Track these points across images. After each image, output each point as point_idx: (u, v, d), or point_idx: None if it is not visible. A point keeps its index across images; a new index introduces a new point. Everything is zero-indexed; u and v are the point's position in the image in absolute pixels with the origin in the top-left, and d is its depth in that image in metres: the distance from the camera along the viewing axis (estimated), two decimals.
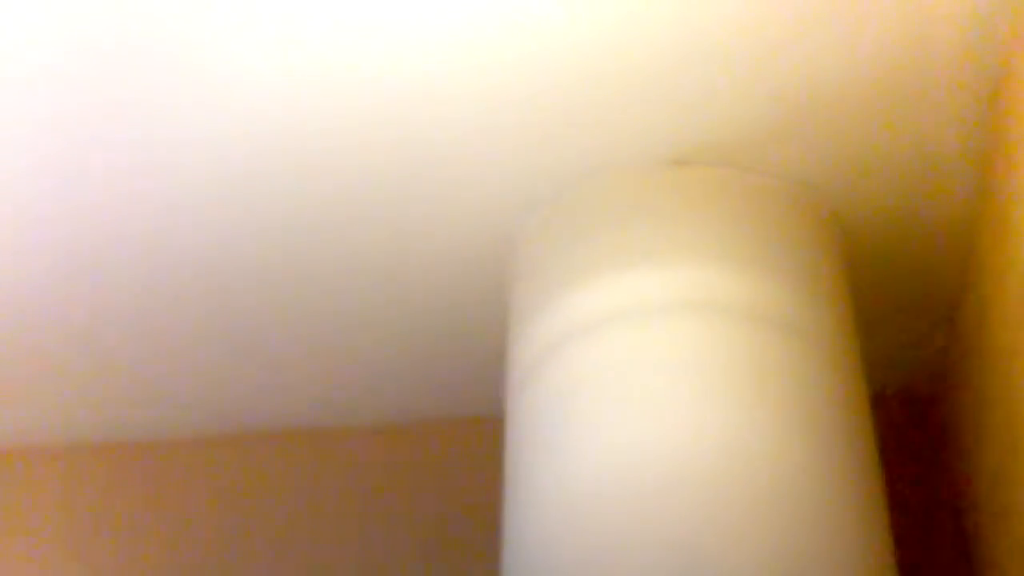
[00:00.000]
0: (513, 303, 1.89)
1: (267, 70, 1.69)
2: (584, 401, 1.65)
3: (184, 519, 2.34)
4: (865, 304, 1.98)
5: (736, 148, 1.77)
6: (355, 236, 1.96)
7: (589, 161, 1.80)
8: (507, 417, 1.82)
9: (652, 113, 1.74)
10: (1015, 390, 1.65)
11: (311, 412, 2.35)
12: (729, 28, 1.65)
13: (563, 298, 1.76)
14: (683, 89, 1.70)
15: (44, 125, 1.78)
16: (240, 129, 1.78)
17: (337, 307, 2.11)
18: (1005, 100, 1.66)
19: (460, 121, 1.76)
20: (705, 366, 1.63)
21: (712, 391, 1.61)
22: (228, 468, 2.37)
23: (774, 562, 1.49)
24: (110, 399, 2.34)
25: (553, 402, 1.69)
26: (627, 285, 1.72)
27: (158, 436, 2.41)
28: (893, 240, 1.93)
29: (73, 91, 1.73)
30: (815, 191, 1.83)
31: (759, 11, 1.63)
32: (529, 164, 1.82)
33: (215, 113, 1.76)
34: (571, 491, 1.59)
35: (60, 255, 2.00)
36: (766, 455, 1.56)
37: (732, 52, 1.66)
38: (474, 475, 2.16)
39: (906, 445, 2.21)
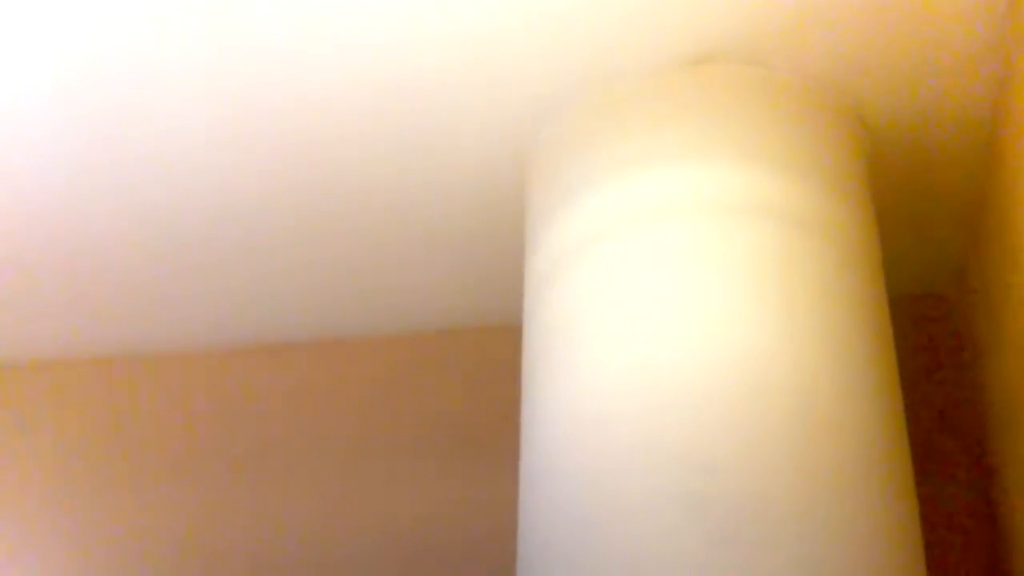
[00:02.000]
0: (530, 210, 1.88)
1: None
2: (600, 307, 1.64)
3: (212, 427, 2.37)
4: (886, 205, 1.96)
5: (758, 46, 1.74)
6: (375, 150, 1.95)
7: (608, 63, 1.77)
8: (524, 324, 1.82)
9: (673, 12, 1.70)
10: None
11: (335, 323, 2.36)
12: None
13: (579, 203, 1.74)
14: None
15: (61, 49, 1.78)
16: (261, 54, 1.76)
17: (357, 221, 2.10)
18: None
19: (476, 25, 1.73)
20: (724, 269, 1.61)
21: (731, 295, 1.59)
22: (258, 377, 2.40)
23: (788, 470, 1.49)
24: (123, 315, 2.36)
25: (567, 310, 1.68)
26: (647, 187, 1.69)
27: (186, 348, 2.43)
28: (915, 139, 1.91)
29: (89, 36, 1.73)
30: (838, 89, 1.80)
31: None
32: (547, 68, 1.79)
33: (240, 47, 1.75)
34: (584, 399, 1.60)
35: (69, 172, 2.00)
36: (786, 361, 1.55)
37: None
38: (495, 382, 2.17)
39: (924, 346, 2.21)
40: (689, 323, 1.58)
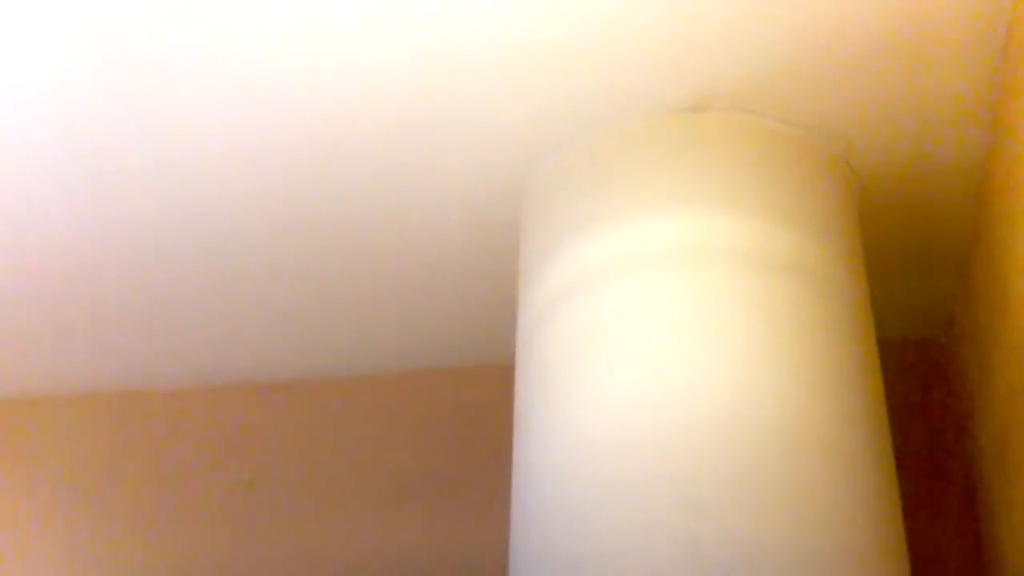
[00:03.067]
0: (524, 251, 1.89)
1: (281, 28, 1.69)
2: (593, 349, 1.65)
3: (202, 466, 2.37)
4: (875, 251, 1.97)
5: (749, 94, 1.77)
6: (365, 187, 1.96)
7: (602, 108, 1.79)
8: (517, 364, 1.83)
9: (665, 59, 1.73)
10: None
11: (325, 362, 2.36)
12: None
13: (574, 246, 1.76)
14: (697, 36, 1.69)
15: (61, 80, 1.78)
16: (247, 78, 1.77)
17: (349, 259, 2.11)
18: (1016, 45, 1.65)
19: (474, 68, 1.75)
20: (715, 313, 1.63)
21: (722, 338, 1.61)
22: (244, 417, 2.40)
23: (779, 510, 1.50)
24: (117, 351, 2.35)
25: (562, 350, 1.69)
26: (638, 232, 1.71)
27: (176, 386, 2.43)
28: (904, 187, 1.93)
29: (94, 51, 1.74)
30: (828, 137, 1.82)
31: None
32: (542, 111, 1.81)
33: (227, 68, 1.76)
34: (578, 439, 1.60)
35: (59, 207, 2.00)
36: (774, 402, 1.56)
37: None
38: (486, 422, 2.18)
39: (914, 391, 2.22)
40: (680, 366, 1.59)
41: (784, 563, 1.47)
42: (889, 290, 2.10)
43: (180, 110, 1.83)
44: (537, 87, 1.77)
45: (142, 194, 1.98)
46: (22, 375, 2.46)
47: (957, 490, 2.14)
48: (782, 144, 1.79)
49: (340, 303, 2.21)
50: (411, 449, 2.33)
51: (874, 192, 1.92)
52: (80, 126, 1.86)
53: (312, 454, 2.36)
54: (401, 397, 2.37)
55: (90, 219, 2.04)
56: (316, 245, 2.09)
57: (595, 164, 1.80)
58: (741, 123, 1.79)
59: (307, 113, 1.84)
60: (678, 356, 1.60)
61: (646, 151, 1.78)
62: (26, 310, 2.24)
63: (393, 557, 2.24)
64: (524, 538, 1.63)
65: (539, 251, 1.83)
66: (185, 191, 1.98)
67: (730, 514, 1.48)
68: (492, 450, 2.02)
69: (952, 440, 2.18)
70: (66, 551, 2.34)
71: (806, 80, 1.75)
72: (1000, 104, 1.75)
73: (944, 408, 2.21)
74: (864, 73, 1.74)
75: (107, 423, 2.45)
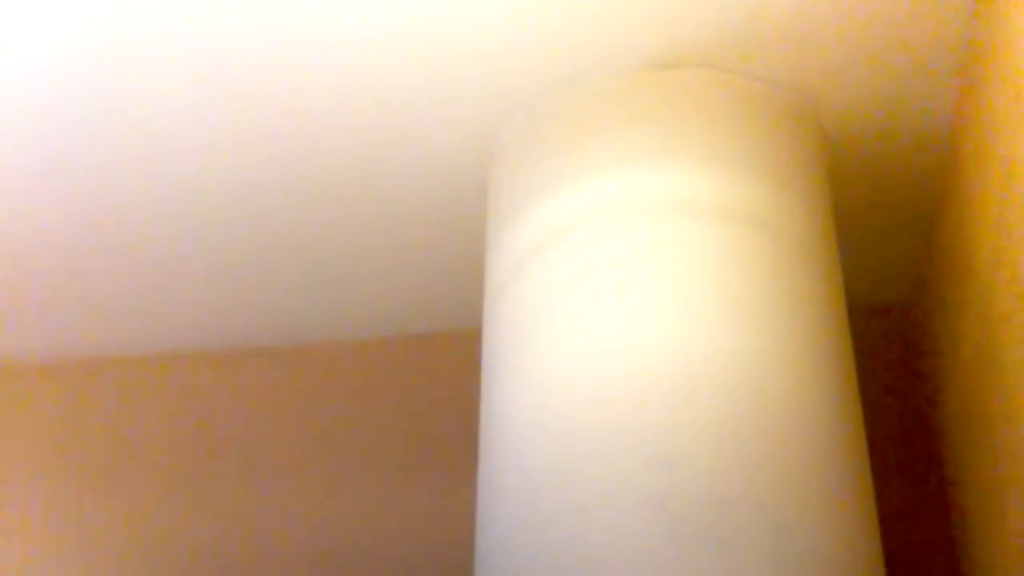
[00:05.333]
0: (491, 213, 1.88)
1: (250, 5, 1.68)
2: (557, 307, 1.65)
3: (164, 435, 2.35)
4: (843, 214, 1.98)
5: (720, 51, 1.76)
6: (331, 156, 1.94)
7: (571, 66, 1.78)
8: (484, 326, 1.82)
9: (636, 16, 1.72)
10: (995, 299, 1.66)
11: (292, 330, 2.35)
12: None
13: (539, 205, 1.75)
14: None
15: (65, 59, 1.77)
16: (226, 58, 1.76)
17: (317, 227, 2.09)
18: (984, 6, 1.65)
19: (440, 27, 1.73)
20: (684, 267, 1.62)
21: (690, 295, 1.60)
22: (212, 383, 2.38)
23: (747, 466, 1.49)
24: (77, 318, 2.33)
25: (527, 309, 1.69)
26: (605, 189, 1.70)
27: (138, 353, 2.41)
28: (874, 148, 1.93)
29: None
30: (798, 95, 1.82)
31: None
32: (510, 70, 1.79)
33: (214, 50, 1.74)
34: (543, 398, 1.59)
35: (60, 178, 1.98)
36: (743, 357, 1.56)
37: None
38: (454, 386, 2.17)
39: (881, 357, 2.22)
40: (648, 321, 1.58)
41: (751, 519, 1.46)
42: (856, 255, 2.10)
43: (159, 88, 1.82)
44: (505, 45, 1.76)
45: (113, 163, 1.96)
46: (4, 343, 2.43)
47: (925, 456, 2.15)
48: (752, 101, 1.78)
49: (306, 269, 2.19)
50: (380, 416, 2.31)
51: (843, 153, 1.92)
52: (68, 109, 1.86)
53: (279, 421, 2.34)
54: (370, 363, 2.36)
55: (72, 193, 2.02)
56: (282, 212, 2.07)
57: (563, 122, 1.79)
58: (711, 79, 1.78)
59: (275, 87, 1.82)
60: (645, 311, 1.59)
61: (615, 108, 1.77)
62: (11, 279, 2.22)
63: (362, 524, 2.23)
64: (491, 499, 1.63)
65: (505, 212, 1.82)
66: (160, 162, 1.96)
67: (697, 470, 1.48)
68: (462, 415, 2.01)
69: (920, 406, 2.19)
70: (26, 521, 2.32)
71: (777, 38, 1.75)
72: (968, 66, 1.75)
73: (911, 374, 2.22)
74: (835, 32, 1.74)
75: (67, 391, 2.43)
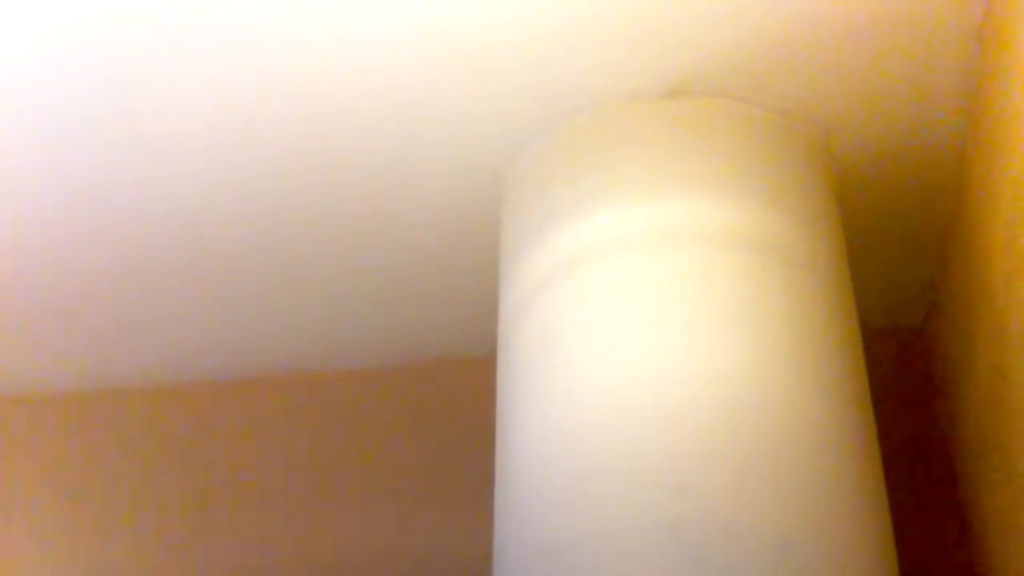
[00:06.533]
0: (504, 241, 1.89)
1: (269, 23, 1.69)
2: (573, 335, 1.65)
3: (187, 462, 2.35)
4: (855, 238, 1.98)
5: (726, 79, 1.77)
6: (343, 180, 1.95)
7: (579, 96, 1.79)
8: (499, 354, 1.82)
9: (642, 45, 1.73)
10: (1009, 321, 1.66)
11: (306, 357, 2.35)
12: None
13: (553, 234, 1.75)
14: (674, 21, 1.69)
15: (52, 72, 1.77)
16: (233, 77, 1.77)
17: (328, 253, 2.09)
18: (992, 29, 1.66)
19: (450, 57, 1.74)
20: (696, 296, 1.63)
21: (703, 321, 1.61)
22: (223, 412, 2.38)
23: (762, 492, 1.49)
24: (89, 350, 2.34)
25: (542, 337, 1.69)
26: (617, 218, 1.71)
27: (153, 382, 2.41)
28: (883, 173, 1.93)
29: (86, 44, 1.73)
30: (805, 122, 1.82)
31: None
32: (519, 100, 1.80)
33: (218, 62, 1.75)
34: (559, 425, 1.59)
35: (59, 204, 1.98)
36: (756, 385, 1.56)
37: None
38: (468, 415, 2.17)
39: (895, 378, 2.22)
40: (660, 350, 1.58)
41: (767, 545, 1.46)
42: (868, 278, 2.09)
43: (162, 96, 1.81)
44: (514, 76, 1.77)
45: (118, 186, 1.97)
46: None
47: (939, 479, 2.14)
48: (760, 128, 1.79)
49: (318, 298, 2.20)
50: (393, 444, 2.31)
51: (852, 178, 1.92)
52: (68, 117, 1.85)
53: (291, 449, 2.34)
54: (382, 391, 2.36)
55: (74, 217, 2.02)
56: (294, 241, 2.08)
57: (573, 152, 1.80)
58: (719, 108, 1.79)
59: (285, 110, 1.83)
60: (659, 340, 1.59)
61: (625, 137, 1.78)
62: (6, 308, 2.22)
63: (376, 553, 2.23)
64: (507, 526, 1.63)
65: (518, 240, 1.83)
66: (162, 183, 1.97)
67: (712, 496, 1.48)
68: (475, 443, 2.01)
69: (934, 429, 2.18)
70: (43, 550, 2.32)
71: (783, 64, 1.75)
72: (977, 87, 1.76)
73: (925, 395, 2.21)
74: (841, 57, 1.75)
75: (80, 422, 2.43)
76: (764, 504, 1.49)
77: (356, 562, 2.23)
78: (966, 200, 1.88)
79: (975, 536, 1.99)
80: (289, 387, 2.39)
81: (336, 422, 2.35)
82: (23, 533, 2.34)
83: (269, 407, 2.38)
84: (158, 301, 2.20)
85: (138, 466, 2.36)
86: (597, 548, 1.48)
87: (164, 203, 2.00)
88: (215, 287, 2.17)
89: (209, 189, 1.97)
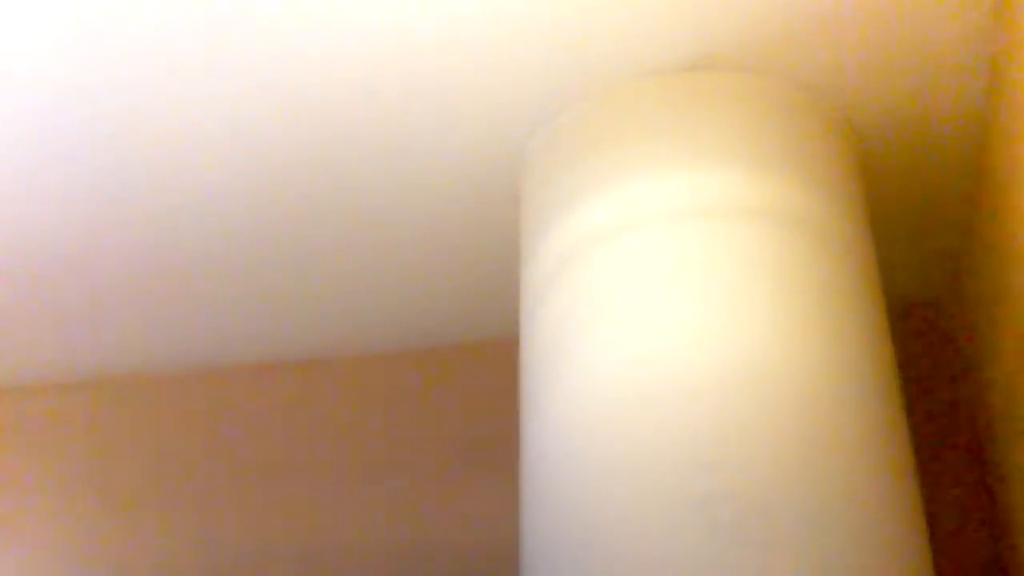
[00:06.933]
0: (524, 220, 1.88)
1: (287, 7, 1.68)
2: (597, 312, 1.64)
3: (209, 447, 2.35)
4: (879, 213, 1.96)
5: (748, 54, 1.75)
6: (363, 163, 1.94)
7: (599, 72, 1.77)
8: (521, 334, 1.81)
9: (664, 20, 1.71)
10: None
11: (329, 342, 2.34)
12: None
13: (574, 212, 1.74)
14: None
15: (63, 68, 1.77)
16: (249, 61, 1.76)
17: (346, 239, 2.09)
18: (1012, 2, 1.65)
19: (466, 36, 1.73)
20: (721, 270, 1.61)
21: (729, 296, 1.59)
22: (252, 397, 2.38)
23: (791, 467, 1.48)
24: (111, 336, 2.34)
25: (566, 315, 1.68)
26: (639, 193, 1.70)
27: (176, 368, 2.41)
28: (906, 145, 1.92)
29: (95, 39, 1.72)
30: (828, 95, 1.81)
31: None
32: (539, 77, 1.79)
33: (231, 51, 1.75)
34: (585, 404, 1.59)
35: (77, 192, 1.98)
36: (783, 359, 1.55)
37: None
38: (492, 396, 2.16)
39: (921, 352, 2.21)
40: (688, 324, 1.57)
41: (799, 520, 1.45)
42: (892, 253, 2.08)
43: (176, 89, 1.81)
44: (534, 52, 1.76)
45: (136, 176, 1.97)
46: (16, 363, 2.44)
47: (967, 451, 2.13)
48: (783, 102, 1.78)
49: (340, 284, 2.19)
50: (416, 428, 2.31)
51: (875, 151, 1.91)
52: (75, 109, 1.84)
53: (316, 437, 2.34)
54: (407, 376, 2.36)
55: (87, 205, 2.02)
56: (313, 227, 2.07)
57: (594, 128, 1.79)
58: (741, 82, 1.78)
59: (303, 96, 1.82)
60: (685, 315, 1.58)
61: (646, 113, 1.76)
62: (23, 297, 2.23)
63: (400, 538, 2.23)
64: (535, 507, 1.62)
65: (539, 219, 1.82)
66: (180, 173, 1.96)
67: (742, 472, 1.47)
68: (500, 426, 2.00)
69: (960, 400, 2.17)
70: (61, 542, 2.33)
71: (805, 39, 1.74)
72: (998, 57, 1.74)
73: (951, 369, 2.20)
74: (863, 31, 1.73)
75: (98, 409, 2.44)
76: (794, 478, 1.48)
77: (381, 547, 2.23)
78: (990, 170, 1.86)
79: (1003, 507, 1.98)
80: (314, 372, 2.39)
81: (358, 407, 2.35)
82: (34, 524, 2.35)
83: (294, 392, 2.38)
84: (179, 290, 2.20)
85: (155, 456, 2.37)
86: (626, 526, 1.47)
87: (184, 193, 2.00)
88: (240, 275, 2.17)
89: (230, 181, 1.97)
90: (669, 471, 1.49)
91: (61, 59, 1.76)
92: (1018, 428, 1.83)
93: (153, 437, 2.40)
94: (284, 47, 1.75)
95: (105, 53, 1.76)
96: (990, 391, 2.00)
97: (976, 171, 1.94)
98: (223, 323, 2.30)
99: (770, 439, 1.50)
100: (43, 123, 1.87)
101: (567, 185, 1.77)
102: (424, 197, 2.01)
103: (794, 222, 1.66)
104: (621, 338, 1.60)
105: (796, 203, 1.68)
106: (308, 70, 1.79)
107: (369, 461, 2.31)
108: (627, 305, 1.62)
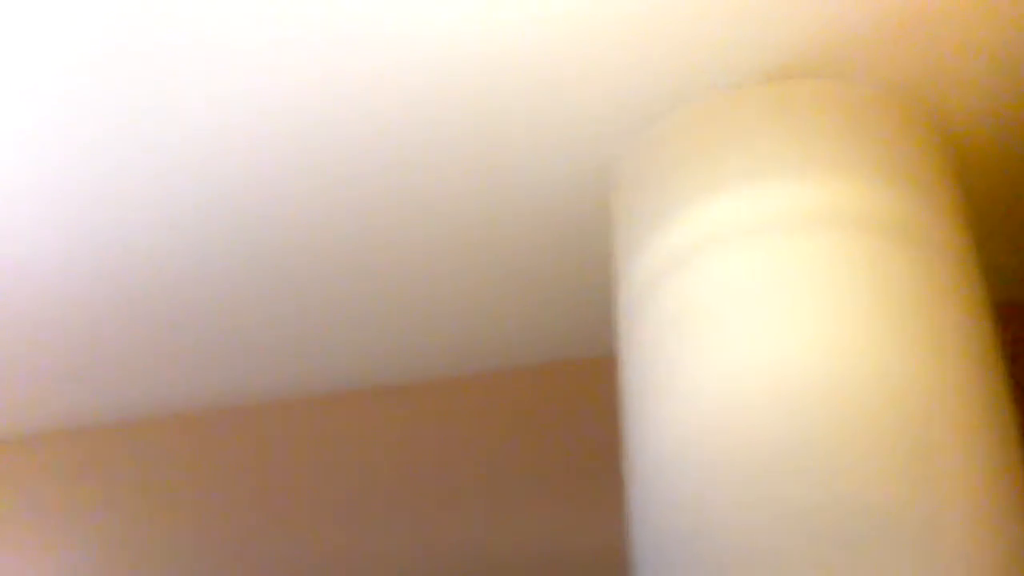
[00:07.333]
0: (617, 235, 1.87)
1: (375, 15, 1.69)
2: (700, 323, 1.63)
3: (312, 473, 2.37)
4: (974, 215, 1.94)
5: (835, 58, 1.73)
6: (446, 182, 1.94)
7: (686, 82, 1.77)
8: (620, 347, 1.81)
9: (747, 28, 1.70)
10: None
11: (422, 365, 2.36)
12: None
13: (668, 224, 1.73)
14: (779, 3, 1.67)
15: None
16: (313, 63, 1.76)
17: (443, 258, 2.09)
18: None
19: (554, 47, 1.73)
20: (824, 279, 1.60)
21: (835, 305, 1.58)
22: (361, 420, 2.40)
23: (904, 478, 1.46)
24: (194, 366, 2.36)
25: (667, 328, 1.67)
26: (735, 203, 1.69)
27: (264, 398, 2.43)
28: (1001, 145, 1.89)
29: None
30: (919, 99, 1.79)
31: None
32: (625, 89, 1.78)
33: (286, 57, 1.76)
34: (691, 413, 1.58)
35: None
36: (892, 368, 1.53)
37: None
38: (594, 414, 2.16)
39: (1019, 357, 2.17)
40: (793, 333, 1.56)
41: (913, 531, 1.43)
42: (989, 254, 2.05)
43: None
44: (618, 68, 1.76)
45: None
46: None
47: None
48: (875, 107, 1.76)
49: (430, 304, 2.20)
50: (516, 450, 2.31)
51: (970, 153, 1.88)
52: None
53: (417, 457, 2.35)
54: (501, 395, 2.36)
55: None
56: (404, 244, 2.08)
57: (683, 141, 1.78)
58: (830, 89, 1.76)
59: (385, 100, 1.81)
60: (787, 324, 1.57)
61: (737, 123, 1.75)
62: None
63: (504, 553, 2.23)
64: (642, 519, 1.61)
65: (632, 234, 1.81)
66: (248, 182, 1.97)
67: (851, 481, 1.46)
68: (598, 441, 2.00)
69: None
70: None
71: (891, 42, 1.72)
72: None
73: None
74: (951, 33, 1.71)
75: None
76: (904, 486, 1.46)
77: (485, 562, 2.23)
78: None
79: None
80: (417, 394, 2.40)
81: (459, 427, 2.35)
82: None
83: (401, 414, 2.39)
84: (253, 314, 2.21)
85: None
86: (735, 536, 1.47)
87: (240, 222, 1.99)
88: (331, 301, 2.18)
89: (308, 199, 1.97)
90: (777, 482, 1.48)
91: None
92: None
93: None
94: (364, 59, 1.75)
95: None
96: None
97: None
98: (333, 347, 2.31)
99: (878, 448, 1.49)
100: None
101: (659, 199, 1.76)
102: (512, 214, 2.01)
103: (894, 228, 1.64)
104: (720, 350, 1.59)
105: (895, 209, 1.66)
106: (388, 80, 1.78)
107: (475, 479, 2.31)
108: (725, 316, 1.61)
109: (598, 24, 1.70)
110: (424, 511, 2.30)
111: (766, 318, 1.59)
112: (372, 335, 2.28)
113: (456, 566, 2.24)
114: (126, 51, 1.70)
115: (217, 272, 2.11)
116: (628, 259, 1.81)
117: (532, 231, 2.06)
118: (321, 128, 1.84)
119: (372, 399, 2.41)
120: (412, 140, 1.87)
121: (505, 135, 1.87)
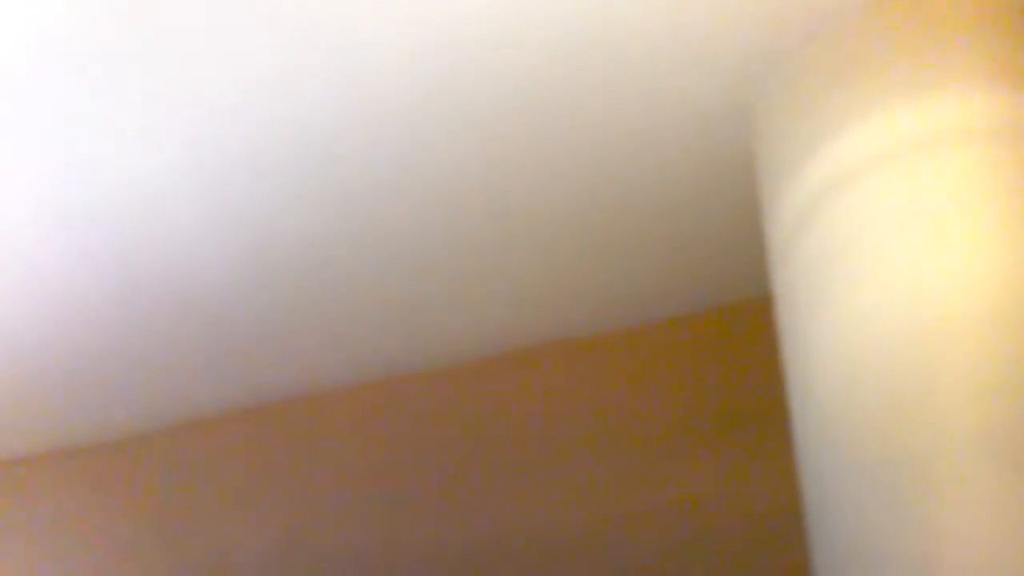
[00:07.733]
0: (762, 172, 1.82)
1: None
2: (861, 247, 1.60)
3: (432, 443, 2.34)
4: None
5: None
6: (574, 128, 1.85)
7: (825, 5, 1.70)
8: (775, 284, 1.75)
9: None
10: None
11: (569, 322, 2.28)
12: None
13: (820, 153, 1.70)
14: None
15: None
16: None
17: (589, 209, 2.01)
18: None
19: None
20: (994, 194, 1.57)
21: (1005, 220, 1.57)
22: (515, 383, 2.39)
23: None
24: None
25: (826, 256, 1.64)
26: (888, 124, 1.65)
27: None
28: None
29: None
30: None
31: None
32: (764, 20, 1.71)
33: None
34: (858, 339, 1.55)
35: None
36: None
37: None
38: (752, 356, 2.09)
39: None
40: (962, 252, 1.53)
41: None
42: None
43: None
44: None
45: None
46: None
47: None
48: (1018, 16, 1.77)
49: (581, 258, 2.14)
50: (678, 401, 2.24)
51: None
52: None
53: (578, 415, 2.33)
54: (653, 349, 2.32)
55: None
56: (549, 203, 2.02)
57: (830, 65, 1.72)
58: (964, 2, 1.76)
59: (516, 50, 1.71)
60: (959, 242, 1.54)
61: (882, 41, 1.70)
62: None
63: (675, 509, 2.15)
64: (813, 454, 1.60)
65: (781, 166, 1.77)
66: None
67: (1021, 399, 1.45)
68: (763, 385, 1.95)
69: None
70: None
71: None
72: None
73: None
74: None
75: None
76: None
77: (654, 513, 2.15)
78: None
79: None
80: (575, 351, 2.37)
81: (621, 381, 2.32)
82: None
83: (565, 372, 2.36)
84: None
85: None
86: (910, 461, 1.46)
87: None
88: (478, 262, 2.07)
89: (407, 169, 1.91)
90: (948, 404, 1.47)
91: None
92: None
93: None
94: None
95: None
96: None
97: None
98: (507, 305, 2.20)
99: None
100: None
101: (808, 128, 1.71)
102: (649, 163, 1.95)
103: None
104: (889, 271, 1.56)
105: None
106: (519, 30, 1.69)
107: (635, 431, 2.30)
108: (893, 237, 1.58)
109: None
110: (585, 471, 2.21)
111: (934, 237, 1.56)
112: (527, 293, 2.22)
113: (635, 517, 2.13)
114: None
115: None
116: (775, 195, 1.78)
117: (674, 181, 1.98)
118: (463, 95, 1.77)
119: (533, 357, 2.38)
120: (553, 85, 1.79)
121: (635, 85, 1.79)
